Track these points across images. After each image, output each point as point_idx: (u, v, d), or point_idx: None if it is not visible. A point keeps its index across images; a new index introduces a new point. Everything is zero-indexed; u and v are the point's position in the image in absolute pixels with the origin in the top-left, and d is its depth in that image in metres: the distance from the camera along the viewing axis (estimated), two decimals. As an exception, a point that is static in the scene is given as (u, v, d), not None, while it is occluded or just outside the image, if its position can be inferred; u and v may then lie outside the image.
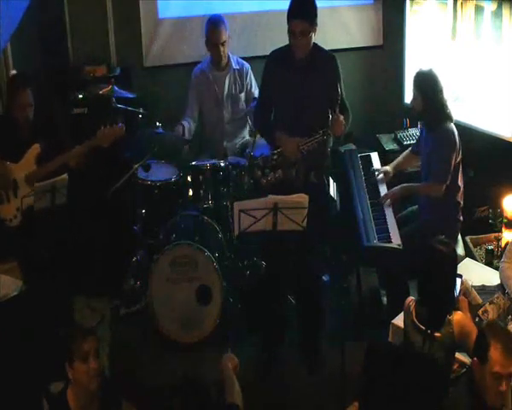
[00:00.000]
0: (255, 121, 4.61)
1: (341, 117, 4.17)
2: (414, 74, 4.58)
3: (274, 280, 4.40)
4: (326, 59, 4.29)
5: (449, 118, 4.51)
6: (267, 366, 4.44)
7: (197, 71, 5.37)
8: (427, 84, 4.49)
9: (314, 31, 4.15)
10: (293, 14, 4.12)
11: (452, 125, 4.52)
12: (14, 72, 4.99)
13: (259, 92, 4.57)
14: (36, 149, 4.47)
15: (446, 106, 4.51)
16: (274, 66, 4.32)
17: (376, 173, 4.85)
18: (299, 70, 4.22)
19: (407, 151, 4.95)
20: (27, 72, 4.94)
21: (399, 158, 4.94)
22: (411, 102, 4.62)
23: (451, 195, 4.56)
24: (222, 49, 5.19)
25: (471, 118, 5.14)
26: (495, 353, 2.89)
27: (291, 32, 4.13)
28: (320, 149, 4.25)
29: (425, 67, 4.60)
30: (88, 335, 3.18)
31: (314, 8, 4.16)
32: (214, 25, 5.16)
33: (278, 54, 4.33)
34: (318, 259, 4.70)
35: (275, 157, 4.28)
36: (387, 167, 4.86)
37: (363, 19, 6.04)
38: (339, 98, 4.15)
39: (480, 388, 2.96)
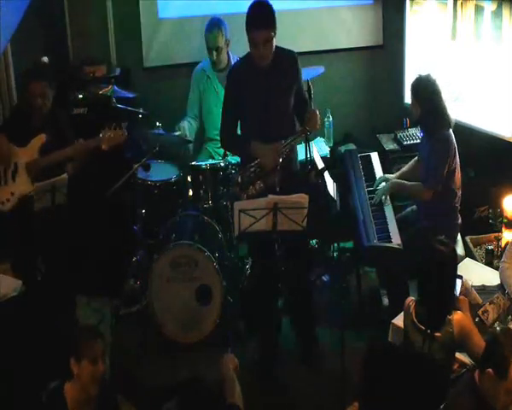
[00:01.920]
0: (223, 140, 4.42)
1: (317, 111, 4.14)
2: (412, 81, 4.55)
3: (272, 280, 4.40)
4: (288, 59, 4.22)
5: (447, 124, 4.47)
6: (267, 366, 4.43)
7: (198, 70, 5.37)
8: (424, 90, 4.45)
9: (275, 34, 4.07)
10: (253, 24, 4.02)
11: (450, 133, 4.47)
12: (45, 59, 5.02)
13: (225, 109, 4.34)
14: (41, 138, 4.47)
15: (445, 111, 4.45)
16: (237, 78, 4.24)
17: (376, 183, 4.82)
18: (263, 76, 4.14)
19: (413, 160, 4.85)
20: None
21: (405, 168, 4.88)
22: (410, 108, 4.60)
23: (448, 201, 4.54)
24: (215, 53, 5.16)
25: (471, 118, 5.14)
26: None
27: (254, 43, 4.04)
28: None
29: (422, 73, 4.55)
30: (99, 337, 3.22)
31: (273, 14, 4.06)
32: (209, 29, 5.16)
33: (239, 66, 4.31)
34: (310, 258, 4.71)
35: (252, 169, 4.18)
36: (390, 176, 4.83)
37: (363, 19, 6.04)
38: (312, 93, 4.11)
39: (487, 396, 2.93)
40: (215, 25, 5.15)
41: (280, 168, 4.12)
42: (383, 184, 4.75)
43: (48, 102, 4.45)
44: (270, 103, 4.15)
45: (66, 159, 4.47)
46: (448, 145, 4.46)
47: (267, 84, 4.14)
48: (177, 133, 5.11)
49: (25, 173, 4.44)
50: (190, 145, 5.33)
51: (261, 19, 4.03)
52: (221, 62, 5.24)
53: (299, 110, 4.25)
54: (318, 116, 4.15)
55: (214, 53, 5.16)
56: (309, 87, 4.15)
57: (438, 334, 3.40)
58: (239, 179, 4.21)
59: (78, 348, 3.15)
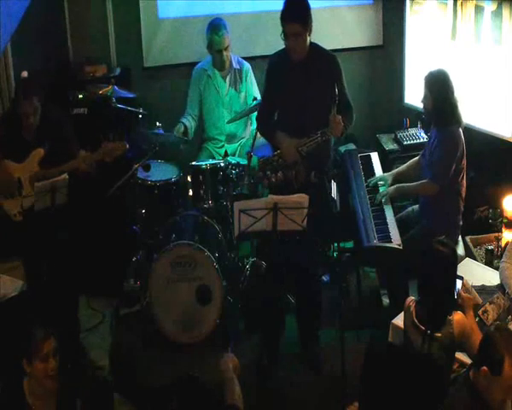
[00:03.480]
0: (258, 124, 4.57)
1: (339, 117, 4.15)
2: (426, 73, 4.55)
3: (274, 279, 4.40)
4: (325, 59, 4.28)
5: (458, 121, 4.48)
6: (267, 366, 4.43)
7: (198, 69, 5.37)
8: (438, 84, 4.46)
9: (308, 32, 4.15)
10: (285, 17, 4.14)
11: (460, 131, 4.49)
12: (24, 74, 4.97)
13: (263, 96, 4.52)
14: (39, 153, 4.42)
15: (456, 108, 4.47)
16: (274, 70, 4.33)
17: (372, 182, 4.82)
18: (298, 71, 4.21)
19: (412, 160, 4.84)
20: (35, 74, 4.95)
21: (402, 167, 4.87)
22: (422, 100, 4.60)
23: (454, 201, 4.55)
24: (225, 53, 5.20)
25: (471, 118, 5.14)
26: (511, 367, 2.85)
27: (286, 35, 4.14)
28: (321, 150, 4.25)
29: (437, 67, 4.57)
30: (48, 336, 3.19)
31: (306, 9, 4.16)
32: (216, 31, 5.15)
33: (277, 58, 4.35)
34: (318, 259, 4.71)
35: (275, 158, 4.30)
36: (387, 174, 4.83)
37: (363, 19, 6.05)
38: (337, 98, 4.12)
39: (483, 393, 2.93)
40: (220, 27, 5.15)
41: (301, 165, 4.20)
42: (384, 187, 4.73)
43: (38, 115, 4.39)
44: (301, 98, 4.21)
45: (72, 170, 4.44)
46: (457, 141, 4.46)
47: (300, 80, 4.20)
48: (177, 134, 5.11)
49: (30, 186, 4.42)
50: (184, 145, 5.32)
51: (292, 12, 4.14)
52: (228, 61, 5.26)
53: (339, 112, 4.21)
54: (340, 122, 4.16)
55: (224, 53, 5.19)
56: (334, 91, 4.14)
57: (438, 334, 3.40)
58: (261, 164, 4.31)
59: (28, 350, 3.14)
